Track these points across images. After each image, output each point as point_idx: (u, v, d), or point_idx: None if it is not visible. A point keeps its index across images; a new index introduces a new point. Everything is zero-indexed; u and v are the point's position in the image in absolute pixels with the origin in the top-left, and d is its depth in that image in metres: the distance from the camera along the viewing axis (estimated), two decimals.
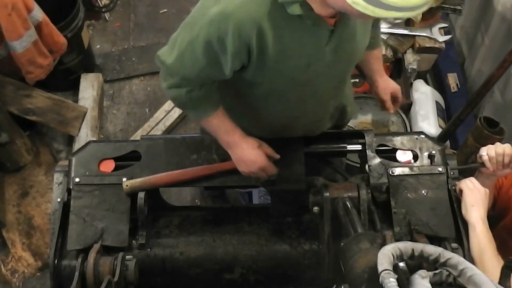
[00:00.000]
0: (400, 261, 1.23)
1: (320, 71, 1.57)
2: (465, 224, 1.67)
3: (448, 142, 2.85)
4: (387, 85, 2.01)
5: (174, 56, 1.54)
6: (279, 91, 1.62)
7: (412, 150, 1.84)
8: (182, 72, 1.55)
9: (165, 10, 3.91)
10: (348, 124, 2.78)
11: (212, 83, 1.62)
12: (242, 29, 1.38)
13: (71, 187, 1.76)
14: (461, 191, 1.70)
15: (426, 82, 3.21)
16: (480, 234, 1.62)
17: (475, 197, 1.66)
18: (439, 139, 2.71)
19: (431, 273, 1.21)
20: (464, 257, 1.52)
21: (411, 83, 3.09)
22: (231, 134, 1.68)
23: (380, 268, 1.13)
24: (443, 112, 3.05)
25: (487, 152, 1.72)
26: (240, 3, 1.37)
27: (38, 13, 2.71)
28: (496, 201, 1.93)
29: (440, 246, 1.48)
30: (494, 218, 1.88)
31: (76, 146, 3.06)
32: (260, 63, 1.47)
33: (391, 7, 1.20)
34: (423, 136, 1.88)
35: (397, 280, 1.10)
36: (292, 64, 1.50)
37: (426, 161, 1.82)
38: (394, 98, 2.04)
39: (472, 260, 1.60)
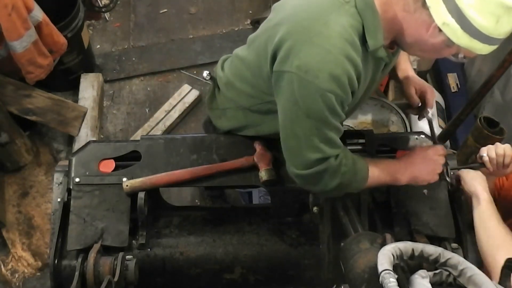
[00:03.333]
0: (400, 261, 1.23)
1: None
2: (465, 224, 1.68)
3: (448, 142, 2.85)
4: (415, 79, 1.84)
5: (329, 139, 1.46)
6: None
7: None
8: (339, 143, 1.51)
9: (165, 10, 3.91)
10: (348, 124, 2.79)
11: None
12: (351, 80, 1.39)
13: (71, 187, 1.76)
14: (458, 180, 1.73)
15: (426, 82, 3.20)
16: (484, 204, 1.61)
17: (474, 175, 1.68)
18: (439, 139, 2.71)
19: (431, 273, 1.21)
20: (464, 257, 1.52)
21: None
22: (395, 169, 1.60)
23: (380, 268, 1.13)
24: (443, 112, 3.05)
25: (487, 153, 1.72)
26: (343, 59, 1.35)
27: (38, 13, 2.71)
28: (497, 201, 1.92)
29: (440, 246, 1.48)
30: None
31: (76, 146, 3.06)
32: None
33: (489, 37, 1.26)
34: (423, 136, 1.88)
35: (397, 280, 1.10)
36: (360, 92, 1.52)
37: None
38: (421, 98, 1.83)
39: (473, 262, 1.59)
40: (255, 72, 1.61)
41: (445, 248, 1.61)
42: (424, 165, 1.60)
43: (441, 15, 1.26)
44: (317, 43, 1.34)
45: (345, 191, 1.59)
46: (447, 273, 1.22)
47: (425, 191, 1.75)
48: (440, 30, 1.29)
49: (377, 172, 1.58)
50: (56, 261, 1.67)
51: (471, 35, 1.26)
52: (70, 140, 3.20)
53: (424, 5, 1.28)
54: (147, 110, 3.45)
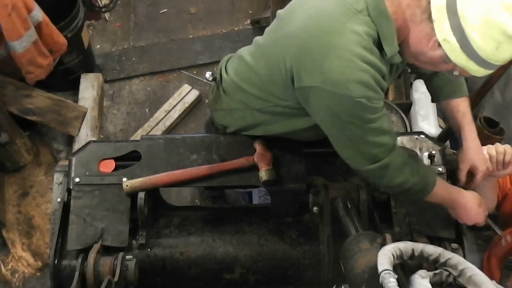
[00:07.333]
0: (400, 261, 1.23)
1: None
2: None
3: (448, 142, 2.85)
4: (469, 154, 1.72)
5: (382, 137, 1.49)
6: None
7: (412, 150, 1.84)
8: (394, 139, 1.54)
9: (165, 10, 3.91)
10: None
11: None
12: (378, 81, 1.41)
13: (71, 187, 1.76)
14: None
15: None
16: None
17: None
18: (439, 139, 2.71)
19: (431, 273, 1.21)
20: (464, 257, 1.53)
21: (411, 83, 3.09)
22: (455, 198, 1.66)
23: (380, 268, 1.13)
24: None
25: (487, 151, 1.72)
26: (365, 65, 1.37)
27: (38, 13, 2.71)
28: (501, 205, 1.91)
29: (440, 246, 1.48)
30: (499, 222, 1.88)
31: (76, 146, 3.06)
32: None
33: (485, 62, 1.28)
34: (423, 136, 1.88)
35: (397, 280, 1.11)
36: None
37: (426, 161, 1.83)
38: (471, 172, 1.75)
39: (473, 262, 1.59)
40: (266, 80, 1.62)
41: (445, 248, 1.61)
42: (470, 214, 1.66)
43: (443, 31, 1.27)
44: (337, 55, 1.36)
45: (408, 195, 1.63)
46: (447, 273, 1.22)
47: None
48: (439, 45, 1.30)
49: (441, 192, 1.63)
50: (56, 261, 1.67)
51: (469, 56, 1.28)
52: (70, 140, 3.19)
53: (429, 18, 1.29)
54: (147, 110, 3.45)
